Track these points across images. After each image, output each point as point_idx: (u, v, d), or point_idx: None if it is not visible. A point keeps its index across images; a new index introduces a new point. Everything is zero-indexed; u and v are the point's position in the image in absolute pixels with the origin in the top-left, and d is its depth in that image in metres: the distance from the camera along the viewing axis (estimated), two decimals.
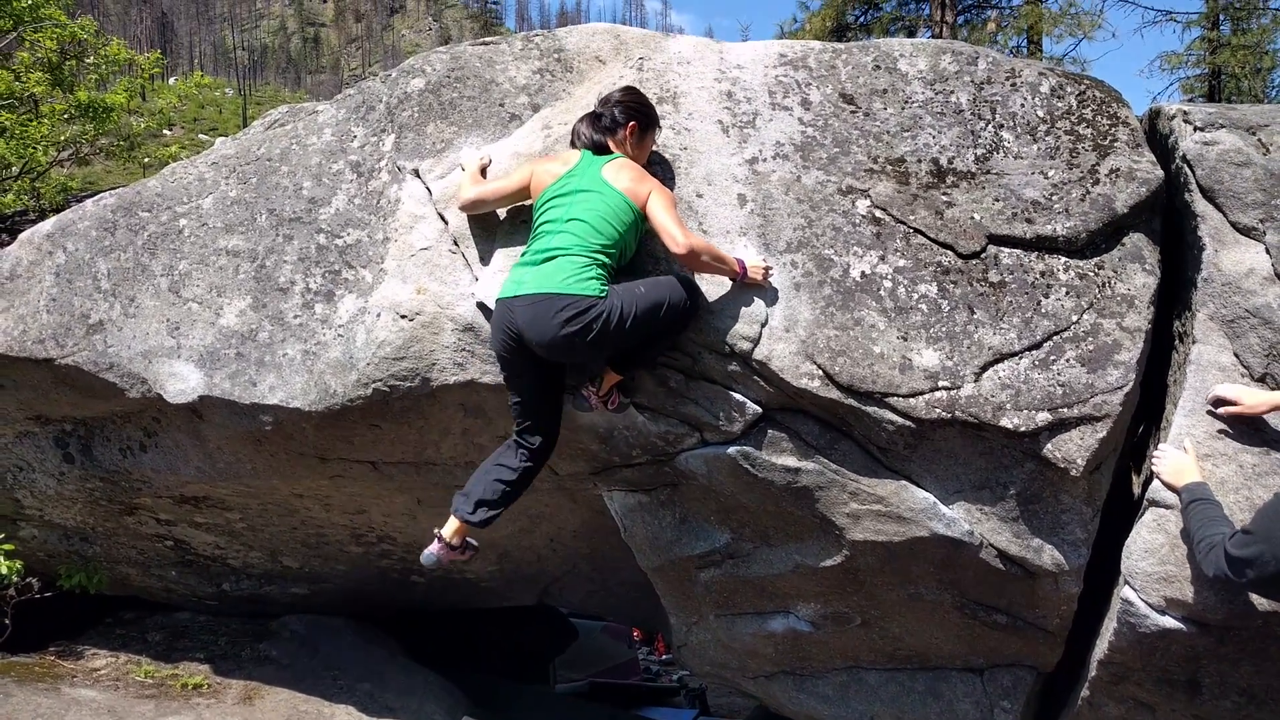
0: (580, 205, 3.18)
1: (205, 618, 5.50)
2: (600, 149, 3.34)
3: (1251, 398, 3.10)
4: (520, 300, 3.10)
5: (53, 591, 4.93)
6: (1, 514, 4.67)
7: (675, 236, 3.14)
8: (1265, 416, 3.08)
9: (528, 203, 3.39)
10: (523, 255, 3.26)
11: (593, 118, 3.39)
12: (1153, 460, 3.19)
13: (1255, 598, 2.91)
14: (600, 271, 3.12)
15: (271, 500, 4.30)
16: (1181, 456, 3.09)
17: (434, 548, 3.41)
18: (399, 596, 5.53)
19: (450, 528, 3.39)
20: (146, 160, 5.50)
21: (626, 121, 3.36)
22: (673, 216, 3.19)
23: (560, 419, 3.43)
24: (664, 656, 11.09)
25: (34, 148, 4.54)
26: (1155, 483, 3.16)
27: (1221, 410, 3.15)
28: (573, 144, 3.43)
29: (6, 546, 4.41)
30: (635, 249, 3.34)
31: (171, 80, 5.27)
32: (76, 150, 5.09)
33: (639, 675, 9.83)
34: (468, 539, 3.46)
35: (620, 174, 3.24)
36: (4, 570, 4.40)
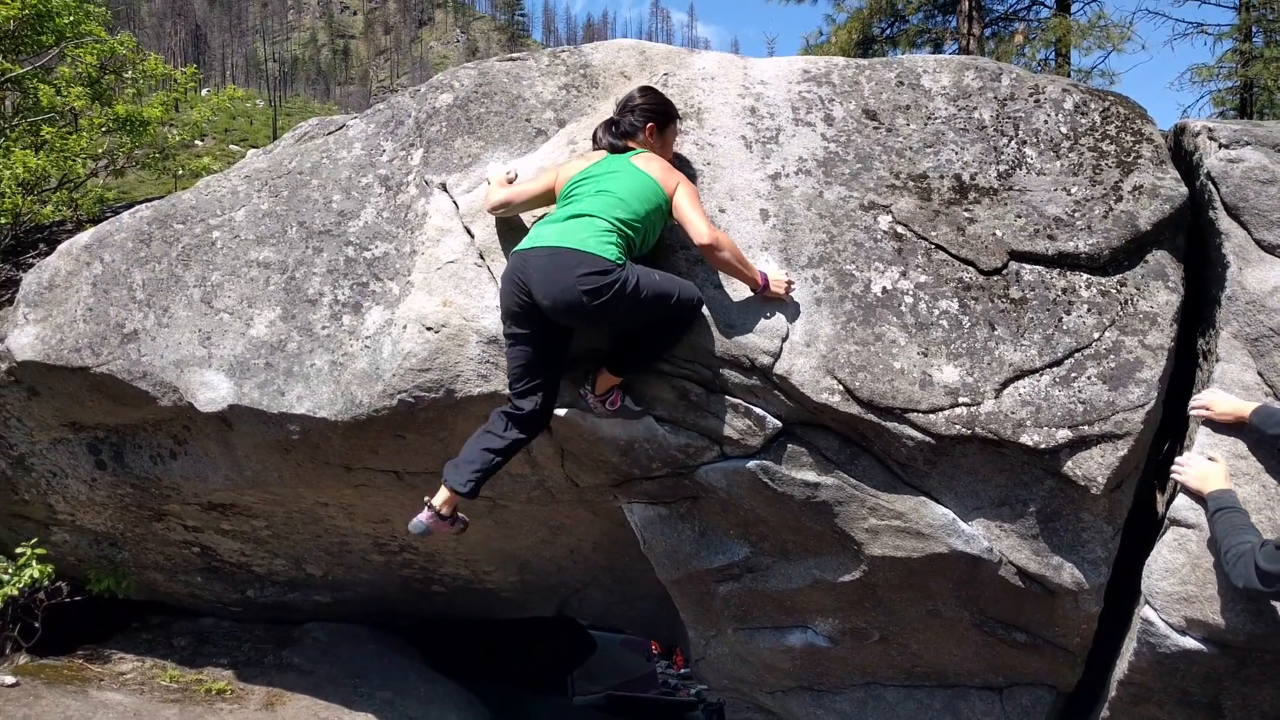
0: (609, 180, 3.24)
1: (229, 624, 5.57)
2: (622, 152, 3.39)
3: (1222, 405, 3.13)
4: (537, 252, 3.11)
5: (82, 595, 5.03)
6: (34, 519, 4.77)
7: (700, 228, 3.19)
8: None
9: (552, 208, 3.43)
10: (545, 218, 3.32)
11: (610, 124, 3.44)
12: (1176, 468, 3.18)
13: None
14: (621, 241, 3.14)
15: (297, 508, 4.37)
16: (1207, 464, 3.08)
17: (423, 515, 3.33)
18: (420, 606, 5.58)
19: (441, 497, 3.33)
20: (180, 172, 5.62)
21: (645, 124, 3.41)
22: (698, 209, 3.25)
23: (558, 388, 3.37)
24: (682, 670, 11.06)
25: (73, 160, 4.67)
26: (1176, 502, 3.14)
27: (1194, 411, 3.19)
28: (595, 148, 3.50)
29: (39, 551, 4.51)
30: (655, 241, 3.36)
31: (204, 92, 5.37)
32: (113, 162, 5.21)
33: (657, 689, 9.82)
34: (458, 513, 3.40)
35: (649, 164, 3.31)
36: (36, 574, 4.50)
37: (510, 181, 3.63)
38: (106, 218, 5.39)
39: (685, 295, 3.23)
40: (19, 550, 4.51)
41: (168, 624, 5.50)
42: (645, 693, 9.34)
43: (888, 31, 16.86)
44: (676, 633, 5.45)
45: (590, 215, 3.15)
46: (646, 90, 3.53)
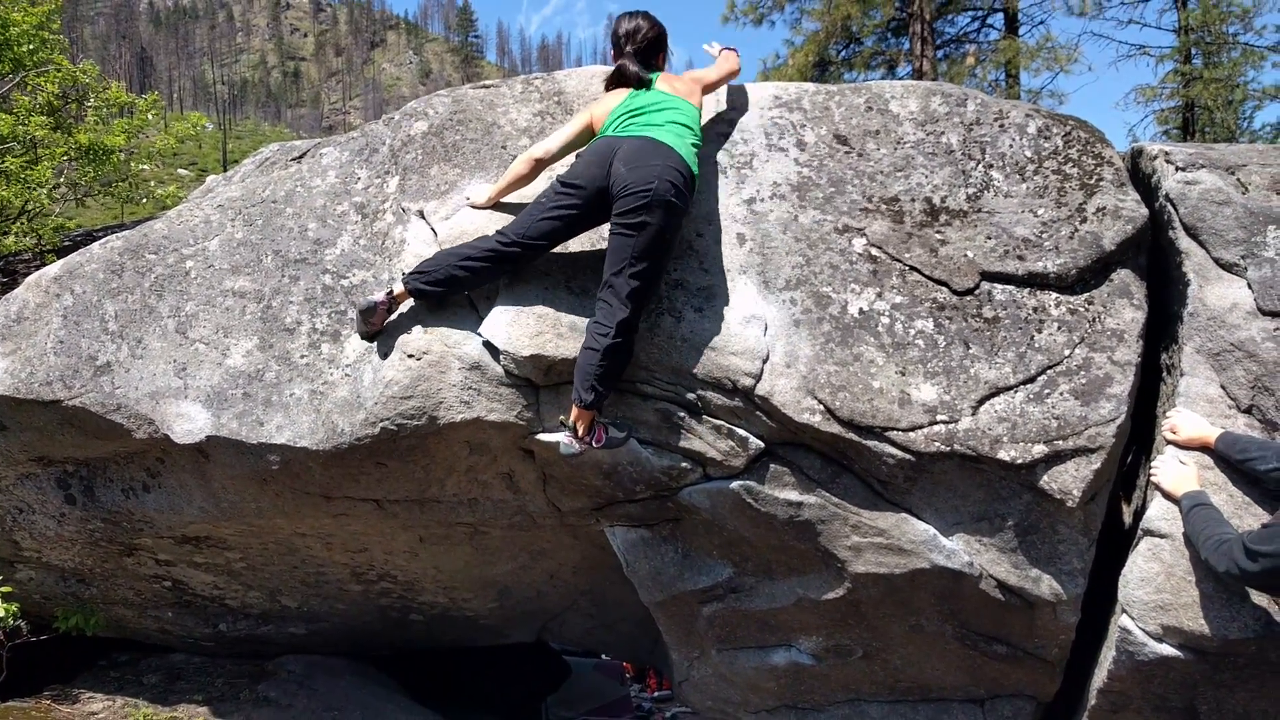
0: (669, 112, 3.50)
1: (200, 659, 5.45)
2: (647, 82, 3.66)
3: (1187, 430, 3.23)
4: (632, 138, 3.38)
5: (49, 634, 4.90)
6: None
7: (719, 73, 3.86)
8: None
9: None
10: (626, 124, 3.47)
11: (637, 55, 3.71)
12: (1151, 471, 3.28)
13: (1254, 617, 2.98)
14: (697, 164, 3.49)
15: (273, 539, 4.31)
16: (1180, 467, 3.18)
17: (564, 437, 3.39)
18: (397, 635, 5.51)
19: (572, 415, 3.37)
20: (144, 200, 5.54)
21: (659, 54, 3.79)
22: (711, 74, 3.84)
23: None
24: (655, 694, 11.02)
25: (38, 190, 4.59)
26: (1149, 512, 3.23)
27: (1166, 434, 3.29)
28: (615, 85, 3.72)
29: (5, 589, 4.38)
30: None
31: (132, 113, 5.33)
32: (74, 191, 5.12)
33: (631, 713, 9.76)
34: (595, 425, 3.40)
35: (675, 86, 3.64)
36: (1, 613, 4.37)
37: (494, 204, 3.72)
38: (67, 246, 5.31)
39: (655, 277, 3.39)
40: None
41: (136, 661, 5.36)
42: (620, 717, 9.28)
43: (843, 54, 17.19)
44: (657, 655, 5.45)
45: (677, 125, 3.46)
46: (650, 22, 3.79)
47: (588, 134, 3.62)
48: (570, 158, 3.66)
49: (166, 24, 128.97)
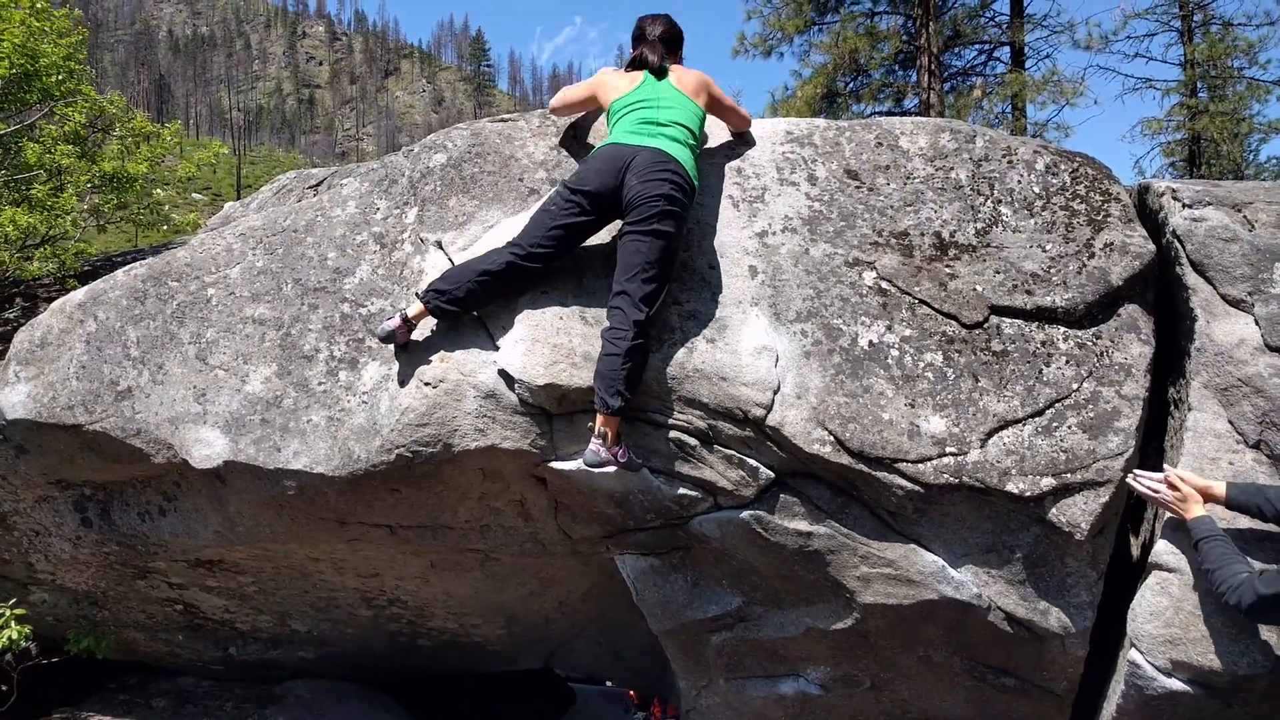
0: (672, 111, 3.70)
1: (209, 683, 5.47)
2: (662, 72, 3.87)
3: (1188, 487, 3.15)
4: (642, 148, 3.56)
5: (60, 656, 4.93)
6: (13, 578, 4.68)
7: (740, 113, 4.05)
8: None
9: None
10: (637, 130, 3.63)
11: (655, 48, 3.92)
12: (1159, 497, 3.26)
13: (1263, 652, 2.99)
14: (696, 169, 3.67)
15: (286, 564, 4.34)
16: (1189, 492, 3.15)
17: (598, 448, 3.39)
18: (404, 661, 5.53)
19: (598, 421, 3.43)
20: (165, 227, 5.65)
21: (675, 53, 4.00)
22: (730, 101, 3.99)
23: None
24: None
25: (62, 218, 4.69)
26: (1157, 546, 3.25)
27: (1163, 497, 3.20)
28: (634, 67, 3.92)
29: (19, 611, 4.42)
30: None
31: (153, 141, 5.46)
32: (98, 218, 5.22)
33: None
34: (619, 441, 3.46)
35: (685, 82, 3.82)
36: (15, 635, 4.40)
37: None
38: (86, 271, 5.40)
39: (666, 281, 3.52)
40: None
41: (145, 684, 5.38)
42: None
43: (851, 86, 17.35)
44: (663, 683, 5.45)
45: (680, 128, 3.65)
46: (671, 22, 4.04)
47: (593, 104, 3.97)
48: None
49: (185, 52, 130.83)
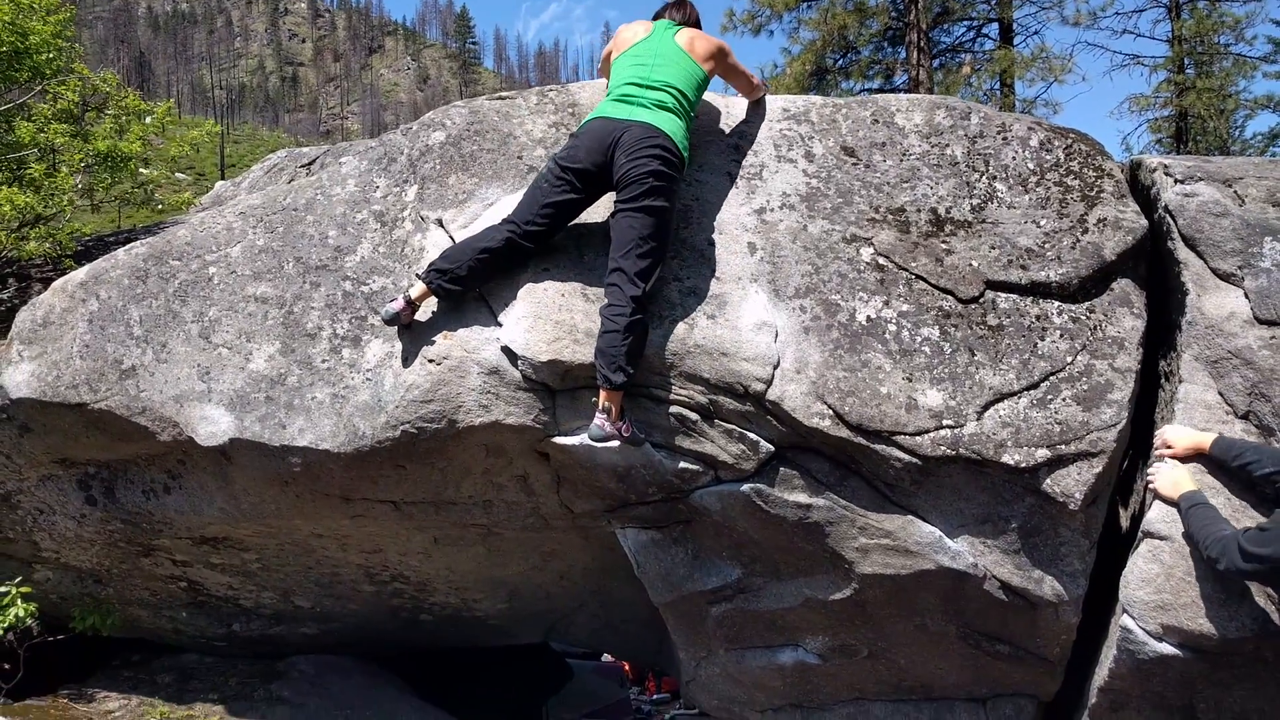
0: (671, 70, 3.75)
1: (212, 659, 5.52)
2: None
3: (1181, 443, 3.31)
4: (630, 123, 3.58)
5: (65, 634, 4.97)
6: (18, 557, 4.71)
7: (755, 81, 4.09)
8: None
9: None
10: (626, 95, 3.69)
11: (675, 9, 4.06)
12: (1149, 476, 3.37)
13: (1251, 616, 3.07)
14: (688, 139, 3.71)
15: (290, 540, 4.39)
16: (1177, 470, 3.27)
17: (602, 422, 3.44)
18: (406, 635, 5.60)
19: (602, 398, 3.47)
20: (160, 206, 5.63)
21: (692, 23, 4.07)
22: (744, 68, 4.05)
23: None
24: (654, 696, 11.09)
25: (59, 197, 4.68)
26: (1149, 515, 3.33)
27: (1160, 450, 3.35)
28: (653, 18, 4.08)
29: (24, 589, 4.45)
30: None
31: (146, 120, 5.41)
32: (91, 197, 5.20)
33: (630, 715, 9.84)
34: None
35: (694, 44, 3.87)
36: (21, 613, 4.44)
37: None
38: (81, 251, 5.39)
39: (661, 255, 3.56)
40: (1, 589, 4.45)
41: (149, 661, 5.43)
42: (619, 719, 9.35)
43: (840, 63, 17.35)
44: (661, 656, 5.54)
45: (673, 95, 3.68)
46: (693, 7, 4.11)
47: (607, 62, 4.09)
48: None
49: (165, 29, 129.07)
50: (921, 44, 16.29)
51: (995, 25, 17.19)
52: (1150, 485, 3.35)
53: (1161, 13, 17.16)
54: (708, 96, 4.10)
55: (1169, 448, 3.33)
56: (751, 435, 3.60)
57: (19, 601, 4.43)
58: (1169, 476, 3.27)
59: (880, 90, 17.88)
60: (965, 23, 17.73)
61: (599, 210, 3.73)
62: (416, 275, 3.65)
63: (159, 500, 4.15)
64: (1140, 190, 3.95)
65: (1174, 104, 17.13)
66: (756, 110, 4.09)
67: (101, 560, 4.65)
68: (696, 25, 4.06)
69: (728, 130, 4.06)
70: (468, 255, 3.56)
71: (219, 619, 5.16)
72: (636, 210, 3.49)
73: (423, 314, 3.65)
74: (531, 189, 3.67)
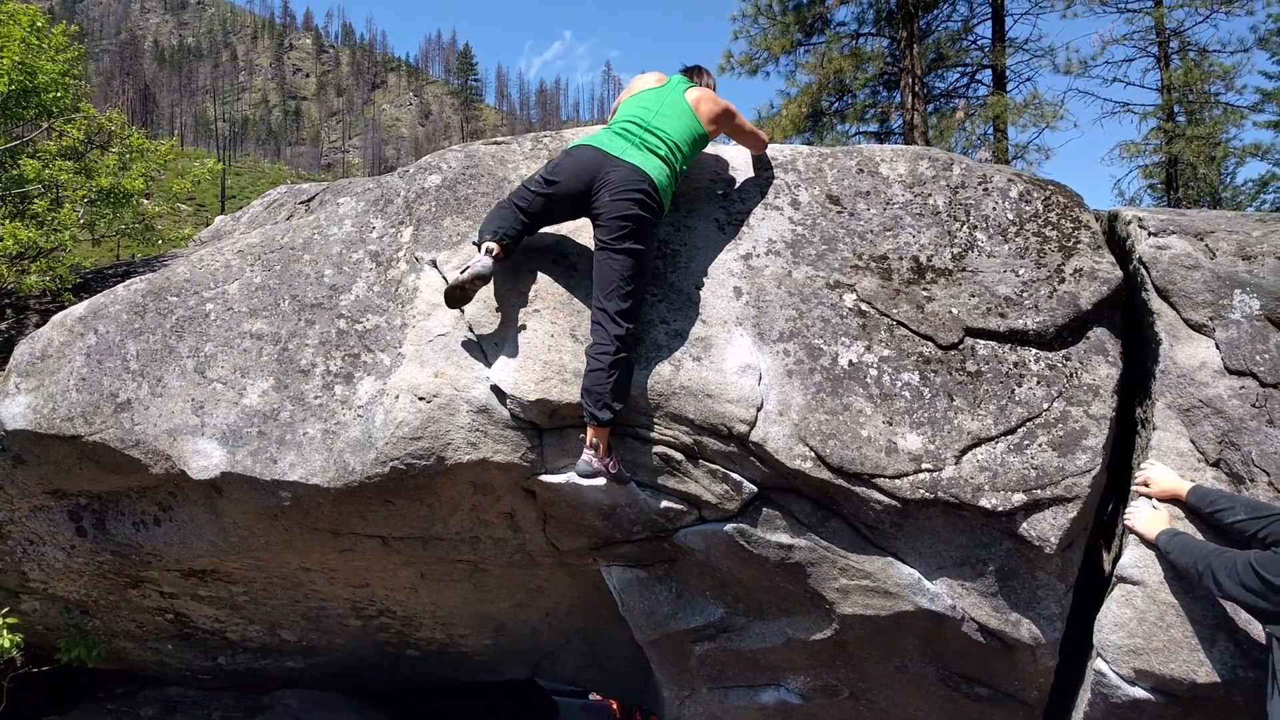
0: (668, 120, 3.86)
1: (196, 693, 5.52)
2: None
3: (1160, 483, 3.41)
4: (618, 160, 3.67)
5: (50, 665, 4.97)
6: (5, 587, 4.73)
7: (759, 136, 4.17)
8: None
9: None
10: (624, 130, 3.80)
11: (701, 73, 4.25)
12: (1125, 515, 3.46)
13: (1220, 662, 3.12)
14: (672, 187, 3.79)
15: (278, 573, 4.42)
16: (1153, 510, 3.36)
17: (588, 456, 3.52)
18: (391, 671, 5.60)
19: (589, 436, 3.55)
20: (160, 241, 5.73)
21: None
22: (749, 125, 4.11)
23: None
24: None
25: (62, 232, 4.77)
26: (1123, 559, 3.39)
27: (1138, 488, 3.47)
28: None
29: (10, 620, 4.46)
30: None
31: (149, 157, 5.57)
32: (93, 232, 5.30)
33: None
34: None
35: (700, 103, 3.97)
36: (5, 644, 4.44)
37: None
38: (79, 284, 5.47)
39: (642, 295, 3.64)
40: None
41: (133, 693, 5.43)
42: None
43: (836, 105, 17.62)
44: (647, 694, 5.54)
45: (665, 144, 3.77)
46: (711, 76, 4.30)
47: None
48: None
49: (170, 62, 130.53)
50: (916, 89, 16.57)
51: (989, 72, 17.48)
52: (1126, 523, 3.42)
53: (1151, 62, 17.49)
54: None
55: (1147, 486, 3.42)
56: (735, 476, 3.66)
57: (4, 632, 4.41)
58: (1146, 515, 3.35)
59: (875, 134, 18.15)
60: (959, 69, 18.03)
61: (587, 255, 3.83)
62: (473, 243, 3.84)
63: (149, 532, 4.19)
64: (1117, 241, 4.06)
65: (1164, 151, 17.40)
66: (759, 163, 4.21)
67: (89, 591, 4.68)
68: (701, 74, 4.22)
69: (716, 178, 4.17)
70: (506, 209, 3.74)
71: (205, 652, 5.17)
72: (617, 252, 3.59)
73: (417, 348, 3.73)
74: (520, 185, 3.82)
